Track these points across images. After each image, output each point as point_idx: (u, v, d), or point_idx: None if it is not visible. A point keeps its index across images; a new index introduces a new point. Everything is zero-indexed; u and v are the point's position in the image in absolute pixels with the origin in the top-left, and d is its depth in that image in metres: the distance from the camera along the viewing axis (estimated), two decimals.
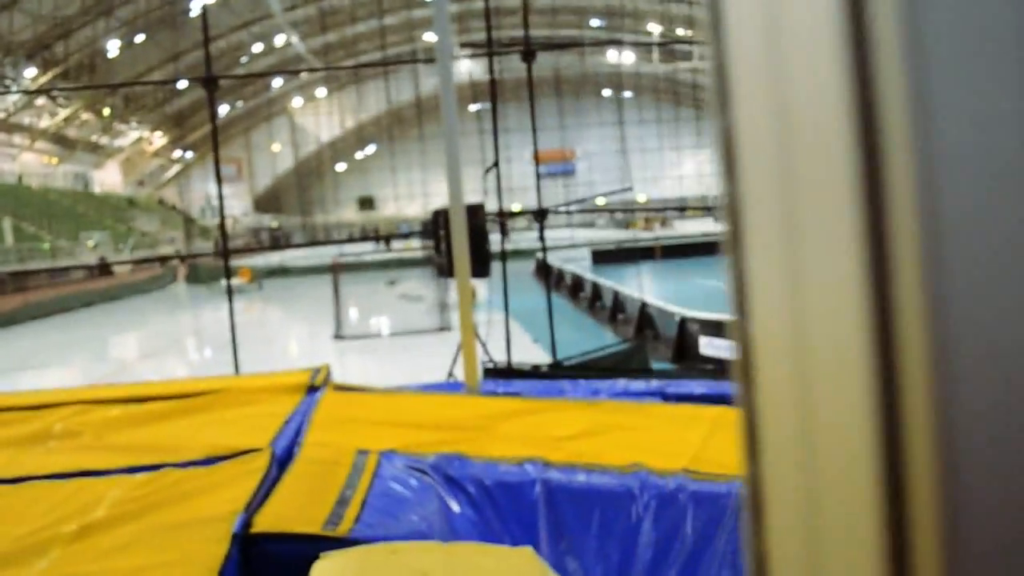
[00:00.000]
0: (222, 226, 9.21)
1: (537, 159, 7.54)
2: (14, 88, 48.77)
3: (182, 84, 57.78)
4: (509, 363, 6.54)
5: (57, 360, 15.84)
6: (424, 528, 2.92)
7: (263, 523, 2.70)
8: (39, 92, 49.38)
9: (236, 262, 29.42)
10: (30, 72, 50.20)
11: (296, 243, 66.65)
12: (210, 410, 4.53)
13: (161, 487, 3.12)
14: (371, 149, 73.92)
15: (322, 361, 5.12)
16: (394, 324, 15.18)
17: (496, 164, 6.57)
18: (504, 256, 8.25)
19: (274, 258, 30.73)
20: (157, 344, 17.63)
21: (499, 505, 3.30)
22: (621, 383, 5.12)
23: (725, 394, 4.40)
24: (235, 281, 27.72)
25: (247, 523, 2.70)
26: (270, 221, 67.86)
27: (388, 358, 9.49)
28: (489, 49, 6.60)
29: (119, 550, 2.63)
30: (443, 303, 14.82)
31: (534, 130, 7.80)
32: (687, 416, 4.04)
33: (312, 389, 4.86)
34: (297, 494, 2.98)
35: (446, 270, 7.65)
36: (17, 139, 55.44)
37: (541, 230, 8.20)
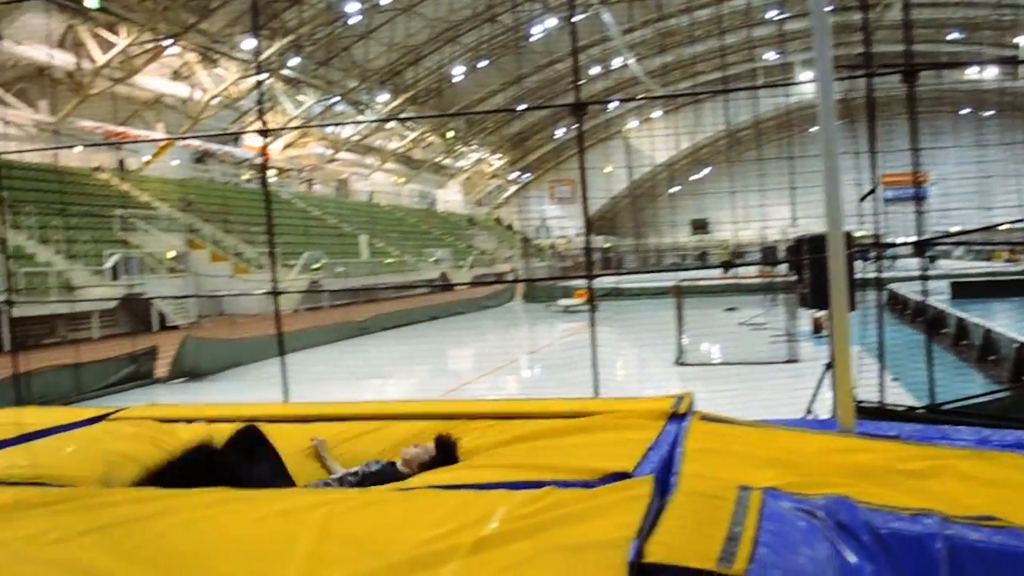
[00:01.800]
0: (587, 250, 9.39)
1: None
2: (369, 113, 53.21)
3: (520, 108, 60.18)
4: (882, 403, 6.20)
5: (403, 371, 16.93)
6: (819, 574, 2.80)
7: (656, 553, 2.69)
8: (396, 118, 53.50)
9: (573, 283, 30.26)
10: (383, 97, 54.54)
11: (637, 266, 67.51)
12: (579, 432, 4.64)
13: (547, 507, 3.21)
14: (706, 171, 73.59)
15: (670, 387, 5.10)
16: (737, 353, 14.94)
17: (873, 191, 6.27)
18: (867, 285, 7.87)
19: (608, 280, 31.28)
20: (495, 360, 18.42)
21: (897, 559, 3.10)
22: (1014, 434, 4.69)
23: None
24: (571, 301, 28.54)
25: (640, 552, 2.71)
26: (603, 242, 69.18)
27: (732, 388, 9.33)
28: (868, 69, 6.31)
29: (516, 567, 2.72)
30: (791, 333, 14.43)
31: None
32: None
33: (676, 416, 4.85)
34: (684, 526, 2.95)
35: (809, 300, 7.44)
36: (369, 160, 60.40)
37: (922, 259, 7.73)
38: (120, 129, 37.28)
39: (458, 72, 56.52)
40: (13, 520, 3.54)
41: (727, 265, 34.50)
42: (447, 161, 69.22)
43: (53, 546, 3.21)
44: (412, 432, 4.91)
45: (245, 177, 48.19)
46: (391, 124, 58.05)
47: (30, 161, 30.82)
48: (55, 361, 14.28)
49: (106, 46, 35.49)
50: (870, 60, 6.48)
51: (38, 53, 31.91)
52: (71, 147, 33.63)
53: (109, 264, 26.32)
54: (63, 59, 33.92)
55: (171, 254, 30.61)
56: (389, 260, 43.54)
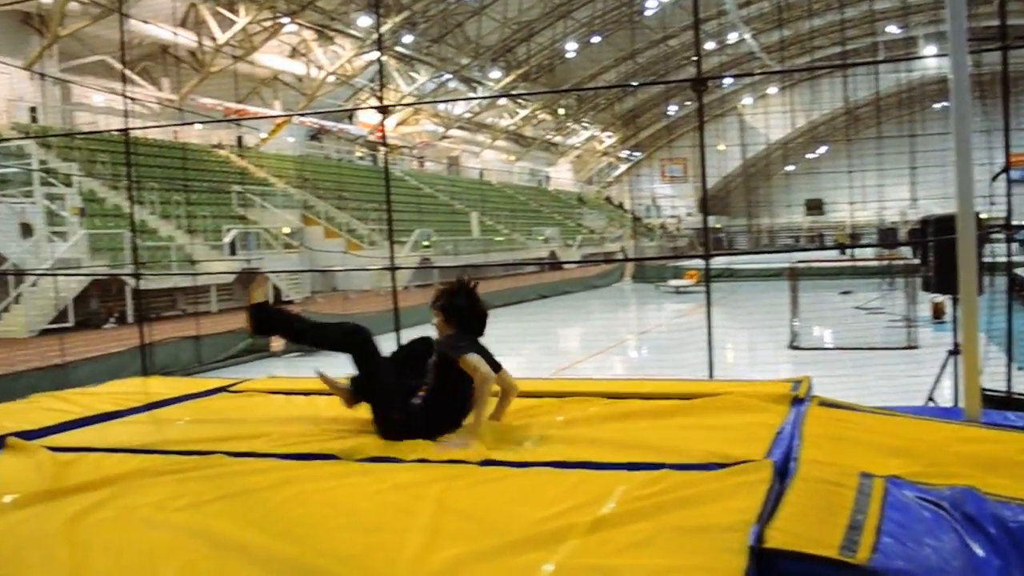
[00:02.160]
0: (705, 229, 9.30)
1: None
2: (481, 90, 53.44)
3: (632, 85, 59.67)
4: (1009, 391, 6.00)
5: (512, 350, 17.05)
6: (945, 566, 2.74)
7: (777, 539, 2.68)
8: (510, 96, 53.65)
9: (683, 263, 30.00)
10: (495, 74, 54.69)
11: (749, 247, 66.54)
12: (695, 414, 4.63)
13: (666, 488, 3.22)
14: (823, 150, 71.88)
15: (783, 371, 5.03)
16: (852, 338, 14.62)
17: (1007, 169, 6.04)
18: (995, 269, 7.60)
19: (720, 261, 30.83)
20: (604, 340, 18.41)
21: None
22: None
23: None
24: (682, 282, 28.31)
25: (760, 536, 2.70)
26: (714, 222, 68.25)
27: (848, 374, 9.13)
28: (1003, 43, 6.06)
29: (635, 547, 2.74)
30: (909, 318, 14.05)
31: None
32: None
33: (794, 401, 4.80)
34: (805, 512, 2.93)
35: (933, 284, 7.23)
36: (480, 137, 60.70)
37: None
38: (239, 106, 38.26)
39: (571, 48, 56.30)
40: (142, 487, 3.71)
41: (844, 246, 33.66)
42: (558, 139, 69.14)
43: (181, 512, 3.35)
44: (524, 407, 4.95)
45: (358, 154, 48.99)
46: (503, 101, 58.20)
47: (153, 138, 31.87)
48: (177, 333, 14.81)
49: (226, 25, 36.41)
50: (1005, 33, 6.21)
51: (162, 32, 32.91)
52: (192, 124, 34.65)
53: (227, 239, 27.09)
54: (186, 38, 34.94)
55: (287, 230, 31.34)
56: (499, 238, 43.77)
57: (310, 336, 4.79)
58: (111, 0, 27.79)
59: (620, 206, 74.82)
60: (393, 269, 9.10)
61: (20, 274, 20.35)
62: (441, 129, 55.39)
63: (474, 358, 4.41)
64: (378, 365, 4.60)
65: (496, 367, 4.63)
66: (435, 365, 4.55)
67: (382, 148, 48.53)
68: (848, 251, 32.84)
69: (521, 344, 17.50)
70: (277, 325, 4.83)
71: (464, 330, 4.70)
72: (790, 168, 72.49)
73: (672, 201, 71.70)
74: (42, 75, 28.59)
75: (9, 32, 29.19)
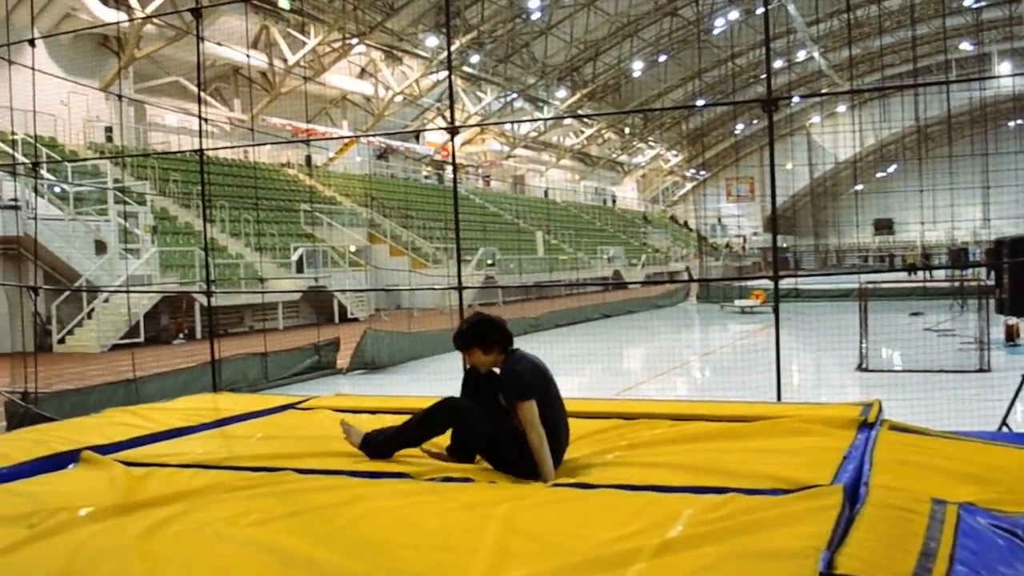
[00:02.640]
0: (774, 250, 9.23)
1: None
2: (547, 109, 53.64)
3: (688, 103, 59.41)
4: None
5: (576, 370, 17.00)
6: None
7: (847, 565, 2.64)
8: (576, 116, 53.75)
9: (749, 283, 29.69)
10: (560, 93, 54.86)
11: (816, 267, 65.69)
12: (763, 437, 4.59)
13: (733, 512, 3.20)
14: (892, 168, 70.82)
15: (851, 394, 4.96)
16: (922, 360, 14.33)
17: None
18: None
19: (786, 281, 30.41)
20: (668, 361, 18.27)
21: None
22: None
23: None
24: (747, 302, 28.01)
25: (830, 563, 2.67)
26: (781, 242, 67.47)
27: (918, 398, 8.96)
28: None
29: (701, 571, 2.72)
30: (982, 341, 13.73)
31: None
32: None
33: (864, 425, 4.73)
34: (876, 538, 2.88)
35: (1008, 306, 7.09)
36: (545, 156, 60.86)
37: None
38: (308, 126, 38.84)
39: (637, 67, 56.29)
40: (213, 502, 3.77)
41: (916, 268, 33.09)
42: (623, 158, 69.06)
43: (251, 528, 3.41)
44: (590, 430, 4.96)
45: (424, 173, 49.42)
46: (568, 120, 58.33)
47: (224, 157, 32.51)
48: (244, 350, 15.03)
49: (296, 46, 37.05)
50: None
51: (235, 54, 33.63)
52: (263, 144, 35.22)
53: (295, 257, 27.46)
54: (257, 59, 35.60)
55: (353, 248, 31.68)
56: (563, 257, 43.78)
57: (420, 436, 4.72)
58: (186, 23, 28.40)
59: (685, 225, 74.42)
60: (460, 289, 9.16)
61: (94, 291, 20.84)
62: (507, 148, 55.65)
63: (531, 411, 4.30)
64: (476, 420, 4.56)
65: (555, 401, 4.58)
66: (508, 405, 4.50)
67: (449, 168, 48.89)
68: (919, 271, 32.26)
69: (584, 364, 17.42)
70: (390, 447, 4.68)
71: (504, 348, 4.65)
72: (859, 187, 71.50)
73: (738, 220, 71.11)
74: (119, 96, 29.31)
75: (87, 54, 30.00)
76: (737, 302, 28.56)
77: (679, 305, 33.86)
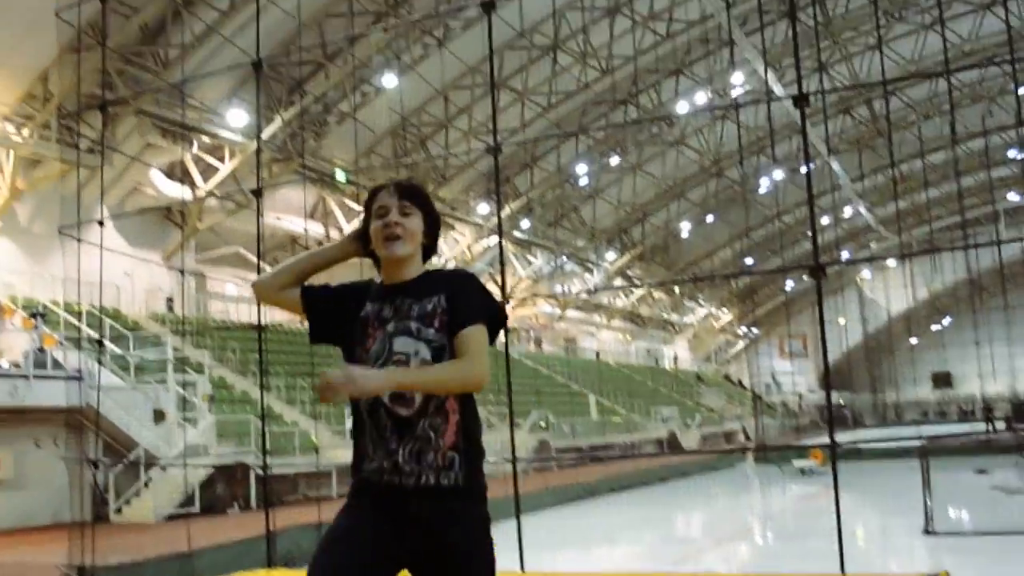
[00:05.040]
0: (829, 410, 9.15)
1: None
2: (596, 271, 54.32)
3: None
4: None
5: (634, 539, 16.70)
6: None
7: None
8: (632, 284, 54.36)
9: (808, 441, 29.22)
10: (610, 255, 55.65)
11: (875, 423, 64.54)
12: None
13: None
14: (947, 321, 70.16)
15: (919, 560, 4.85)
16: (992, 521, 13.89)
17: None
18: None
19: (844, 438, 29.85)
20: (727, 527, 17.89)
21: None
22: None
23: None
24: (806, 463, 27.47)
25: None
26: (837, 398, 66.48)
27: (991, 563, 8.66)
28: None
29: None
30: None
31: None
32: None
33: None
34: None
35: None
36: (596, 317, 61.23)
37: None
38: None
39: (685, 227, 57.08)
40: None
41: (987, 421, 32.31)
42: (674, 317, 69.21)
43: None
44: None
45: None
46: (618, 281, 58.91)
47: (280, 323, 33.13)
48: (299, 520, 14.96)
49: (351, 215, 38.17)
50: None
51: (293, 225, 34.72)
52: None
53: (349, 424, 27.54)
54: (314, 229, 36.71)
55: None
56: (616, 419, 43.45)
57: None
58: (247, 198, 29.58)
59: (740, 383, 73.77)
60: (514, 461, 9.15)
61: (151, 464, 21.04)
62: (558, 311, 56.09)
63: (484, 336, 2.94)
64: None
65: None
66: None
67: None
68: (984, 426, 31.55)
69: (642, 531, 17.15)
70: None
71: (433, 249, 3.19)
72: (914, 341, 70.78)
73: (792, 377, 70.38)
74: (182, 271, 30.32)
75: (151, 225, 31.20)
76: (795, 462, 28.03)
77: (736, 466, 33.32)
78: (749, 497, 25.33)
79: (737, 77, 42.81)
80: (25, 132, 26.30)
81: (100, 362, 22.13)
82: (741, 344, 76.83)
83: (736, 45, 36.00)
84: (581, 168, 46.94)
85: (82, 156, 25.56)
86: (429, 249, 3.13)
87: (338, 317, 3.08)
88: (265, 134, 30.36)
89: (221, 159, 31.44)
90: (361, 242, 3.13)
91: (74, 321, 24.32)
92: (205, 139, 30.81)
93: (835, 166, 49.14)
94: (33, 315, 23.20)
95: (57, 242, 25.28)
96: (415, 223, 3.02)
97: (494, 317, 2.99)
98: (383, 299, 3.02)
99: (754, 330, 74.57)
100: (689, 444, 43.04)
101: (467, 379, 2.81)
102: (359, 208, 31.55)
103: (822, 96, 38.08)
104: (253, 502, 22.47)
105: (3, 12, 24.11)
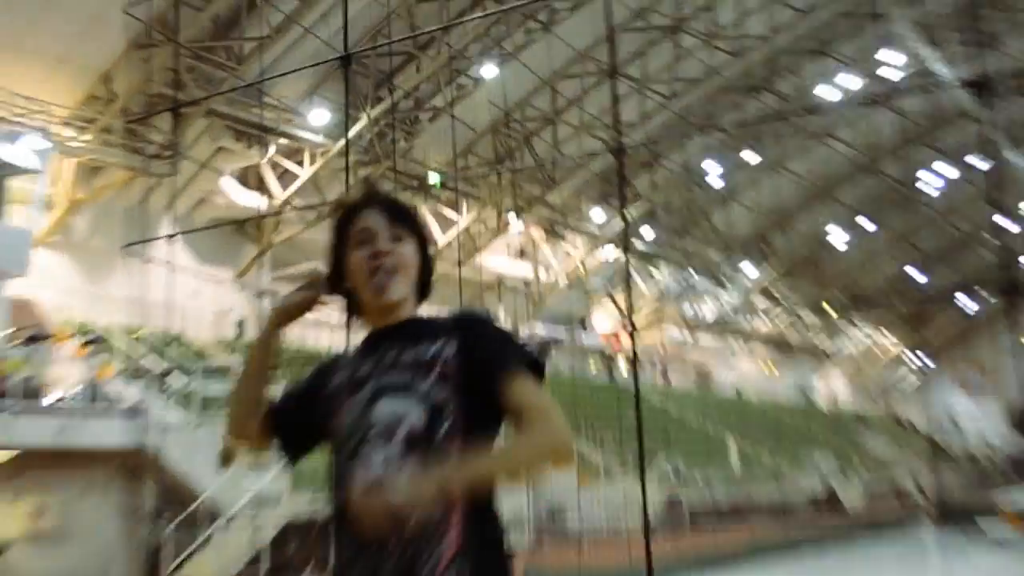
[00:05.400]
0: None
1: None
2: (733, 288, 53.36)
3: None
4: None
5: None
6: None
7: None
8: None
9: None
10: (750, 270, 54.58)
11: None
12: None
13: None
14: None
15: None
16: None
17: None
18: None
19: None
20: None
21: None
22: None
23: None
24: (999, 527, 26.20)
25: None
26: None
27: None
28: None
29: None
30: None
31: None
32: None
33: None
34: None
35: None
36: (734, 345, 59.99)
37: None
38: None
39: (838, 236, 55.82)
40: None
41: None
42: (826, 343, 67.31)
43: None
44: None
45: (593, 368, 49.04)
46: (759, 302, 57.79)
47: None
48: None
49: (447, 225, 38.09)
50: None
51: None
52: None
53: None
54: None
55: None
56: (760, 469, 42.40)
57: None
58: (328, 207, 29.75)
59: (911, 426, 71.32)
60: (645, 515, 8.81)
61: (215, 518, 21.00)
62: (688, 338, 55.12)
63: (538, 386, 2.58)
64: None
65: None
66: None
67: (621, 360, 48.63)
68: None
69: None
70: None
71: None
72: None
73: (977, 420, 67.74)
74: (258, 295, 30.64)
75: (222, 239, 31.44)
76: (986, 528, 26.78)
77: (912, 530, 32.19)
78: (927, 572, 24.32)
79: (892, 56, 41.76)
80: (86, 137, 26.57)
81: (163, 396, 22.41)
82: (913, 379, 74.37)
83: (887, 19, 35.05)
84: (711, 167, 46.21)
85: (148, 163, 25.91)
86: (424, 289, 2.73)
87: (309, 413, 2.72)
88: (350, 134, 30.54)
89: (300, 163, 31.73)
90: (327, 283, 2.71)
91: (134, 349, 24.67)
92: (282, 142, 31.08)
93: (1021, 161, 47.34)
94: (88, 342, 23.58)
95: (117, 259, 25.87)
96: (410, 253, 2.68)
97: (532, 365, 2.51)
98: (361, 356, 2.63)
99: (929, 362, 72.10)
100: (851, 502, 41.74)
101: (557, 450, 2.36)
102: (455, 217, 31.55)
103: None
104: (330, 564, 22.35)
105: (64, 9, 24.66)
